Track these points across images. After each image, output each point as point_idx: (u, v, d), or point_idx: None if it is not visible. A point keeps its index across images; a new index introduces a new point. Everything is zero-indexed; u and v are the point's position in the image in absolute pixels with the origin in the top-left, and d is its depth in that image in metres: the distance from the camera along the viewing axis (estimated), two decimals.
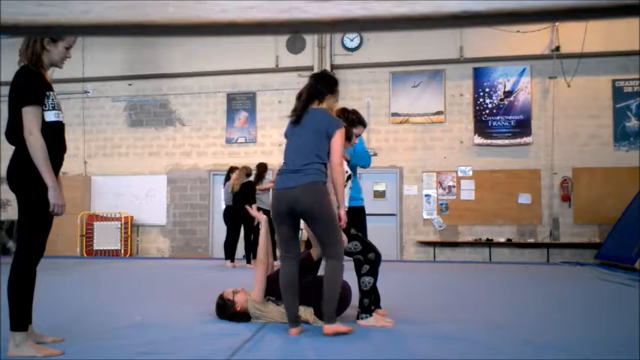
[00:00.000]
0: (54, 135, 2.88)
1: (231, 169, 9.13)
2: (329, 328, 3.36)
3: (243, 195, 8.63)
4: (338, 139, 3.42)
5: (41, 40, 2.87)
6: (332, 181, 3.50)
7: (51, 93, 2.89)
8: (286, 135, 3.63)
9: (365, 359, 2.95)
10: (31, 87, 2.81)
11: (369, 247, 3.83)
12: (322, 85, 3.61)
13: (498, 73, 10.92)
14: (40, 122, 2.80)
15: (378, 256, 3.84)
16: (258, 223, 8.60)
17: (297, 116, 3.52)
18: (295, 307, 3.48)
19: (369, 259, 3.78)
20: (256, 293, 3.78)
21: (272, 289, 3.80)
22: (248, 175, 8.90)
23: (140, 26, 0.68)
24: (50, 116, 2.86)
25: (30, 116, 2.76)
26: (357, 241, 3.78)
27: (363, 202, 4.56)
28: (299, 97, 3.62)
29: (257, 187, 8.74)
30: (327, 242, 3.43)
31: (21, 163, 2.80)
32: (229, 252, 8.93)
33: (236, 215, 8.66)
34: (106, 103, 12.48)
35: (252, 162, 9.42)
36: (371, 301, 3.80)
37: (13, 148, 2.85)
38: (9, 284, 2.79)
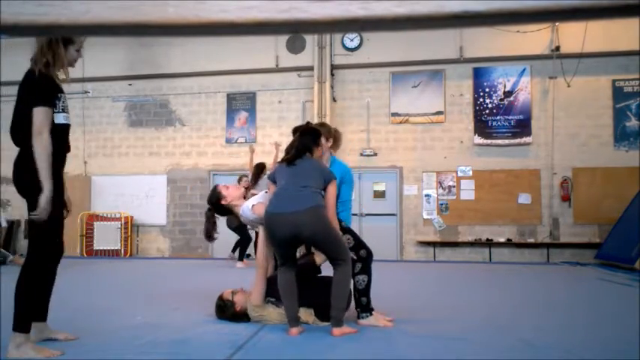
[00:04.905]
0: (61, 137, 2.91)
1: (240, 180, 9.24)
2: (337, 330, 3.40)
3: None
4: (331, 189, 3.55)
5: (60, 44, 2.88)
6: None
7: (62, 95, 2.91)
8: (276, 177, 3.66)
9: (365, 359, 2.95)
10: (44, 88, 2.81)
11: (360, 244, 3.84)
12: (308, 139, 3.72)
13: (498, 73, 10.92)
14: (50, 124, 2.80)
15: (369, 253, 3.84)
16: None
17: (290, 160, 3.61)
18: (295, 308, 3.49)
19: (360, 257, 3.79)
20: (256, 297, 3.77)
21: (273, 290, 3.79)
22: None
23: (140, 26, 0.68)
24: (60, 119, 2.88)
25: (41, 117, 2.76)
26: (349, 234, 3.81)
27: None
28: (288, 151, 3.71)
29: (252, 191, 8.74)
30: (334, 254, 3.48)
31: (26, 168, 2.78)
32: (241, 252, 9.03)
33: None
34: (106, 103, 12.48)
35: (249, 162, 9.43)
36: (369, 300, 3.79)
37: (13, 149, 2.87)
38: (16, 284, 2.80)
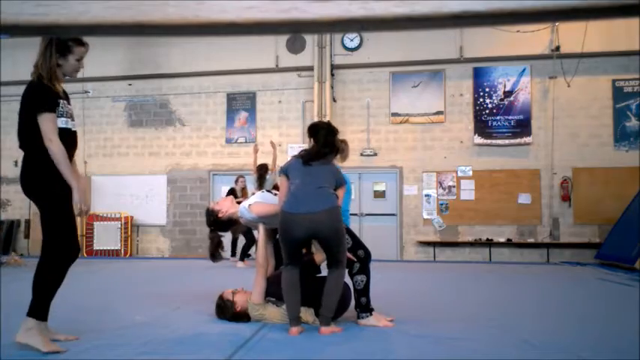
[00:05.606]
0: (62, 141, 2.99)
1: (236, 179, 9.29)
2: (326, 329, 3.45)
3: None
4: (340, 194, 3.62)
5: (55, 55, 3.00)
6: None
7: (60, 101, 3.03)
8: (289, 173, 3.63)
9: (364, 359, 2.95)
10: (45, 95, 2.95)
11: (358, 245, 3.84)
12: (333, 140, 3.69)
13: (498, 73, 10.92)
14: (57, 128, 2.94)
15: (367, 253, 3.85)
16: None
17: (308, 160, 3.59)
18: (297, 308, 3.51)
19: (358, 257, 3.80)
20: (256, 296, 3.78)
21: (272, 291, 3.80)
22: None
23: (139, 26, 0.68)
24: (59, 123, 3.00)
25: (47, 122, 2.91)
26: (348, 235, 3.82)
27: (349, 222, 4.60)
28: (310, 154, 3.64)
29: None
30: (336, 255, 3.52)
31: (32, 170, 2.95)
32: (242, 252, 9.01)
33: None
34: (106, 103, 12.47)
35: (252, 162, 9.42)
36: (368, 300, 3.79)
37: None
38: (34, 276, 2.94)
